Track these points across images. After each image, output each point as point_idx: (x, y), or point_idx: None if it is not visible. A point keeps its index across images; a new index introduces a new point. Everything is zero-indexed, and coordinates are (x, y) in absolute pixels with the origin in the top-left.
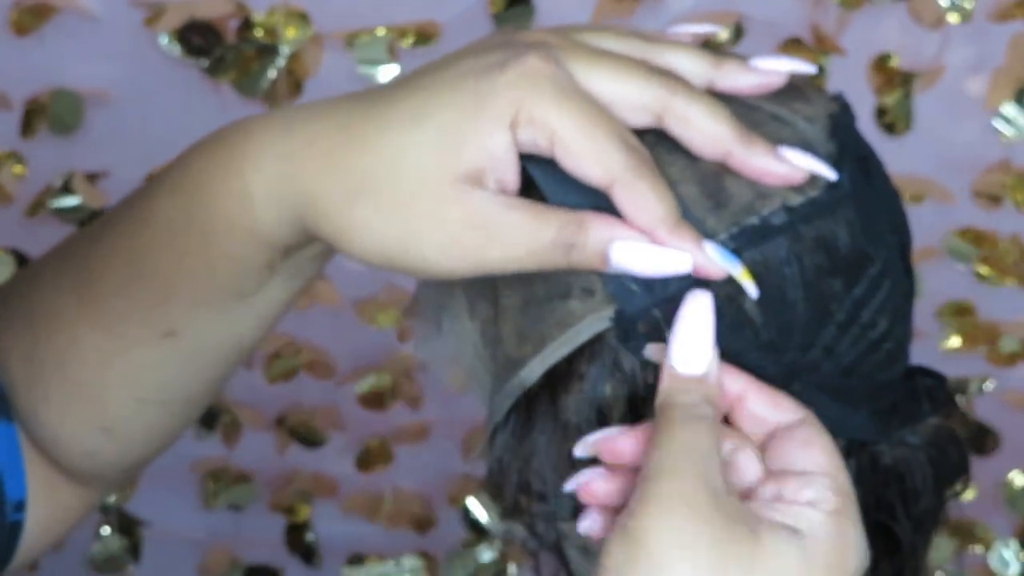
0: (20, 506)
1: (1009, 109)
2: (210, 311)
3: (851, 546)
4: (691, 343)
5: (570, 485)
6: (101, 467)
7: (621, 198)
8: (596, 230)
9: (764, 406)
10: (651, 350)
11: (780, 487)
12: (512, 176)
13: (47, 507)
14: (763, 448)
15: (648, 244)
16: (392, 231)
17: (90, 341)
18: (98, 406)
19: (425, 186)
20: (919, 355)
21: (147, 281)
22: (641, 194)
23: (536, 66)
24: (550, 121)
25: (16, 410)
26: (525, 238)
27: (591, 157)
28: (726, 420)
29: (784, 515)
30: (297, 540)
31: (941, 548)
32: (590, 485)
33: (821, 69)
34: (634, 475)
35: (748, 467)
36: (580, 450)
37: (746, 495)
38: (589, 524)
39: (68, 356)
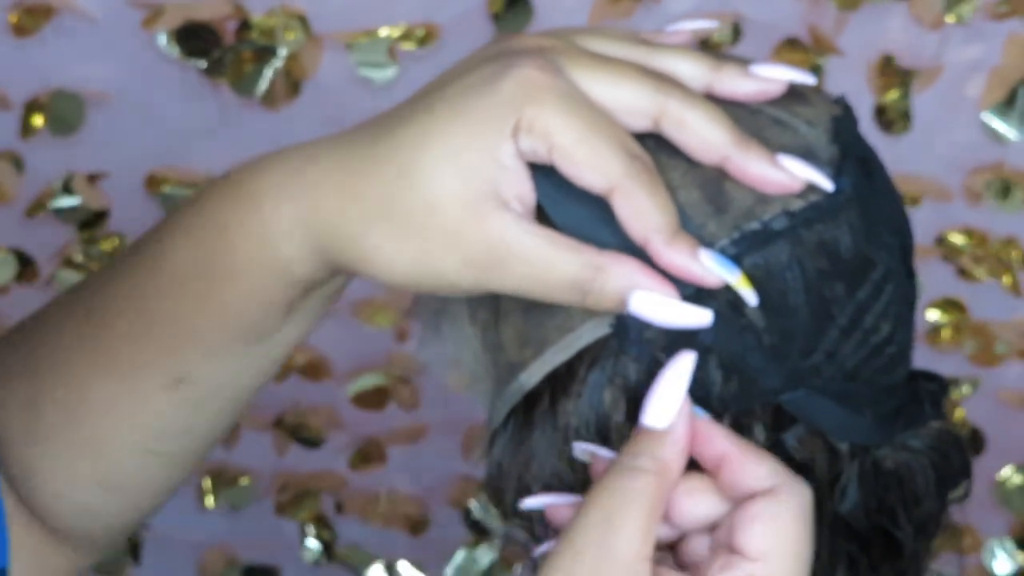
0: (2, 573)
1: (1005, 108)
2: (223, 356)
3: None
4: (662, 400)
5: (530, 504)
6: (97, 525)
7: (619, 205)
8: (616, 277)
9: (740, 472)
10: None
11: (708, 560)
12: (527, 188)
13: (32, 573)
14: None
15: (669, 298)
16: (412, 256)
17: (101, 390)
18: (102, 459)
19: (439, 208)
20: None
21: (159, 327)
22: (639, 202)
23: (532, 74)
24: (548, 129)
25: (9, 465)
26: (541, 273)
27: (590, 164)
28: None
29: None
30: (299, 540)
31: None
32: (554, 509)
33: (818, 69)
34: None
35: (704, 506)
36: (578, 451)
37: (679, 542)
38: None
39: (76, 407)
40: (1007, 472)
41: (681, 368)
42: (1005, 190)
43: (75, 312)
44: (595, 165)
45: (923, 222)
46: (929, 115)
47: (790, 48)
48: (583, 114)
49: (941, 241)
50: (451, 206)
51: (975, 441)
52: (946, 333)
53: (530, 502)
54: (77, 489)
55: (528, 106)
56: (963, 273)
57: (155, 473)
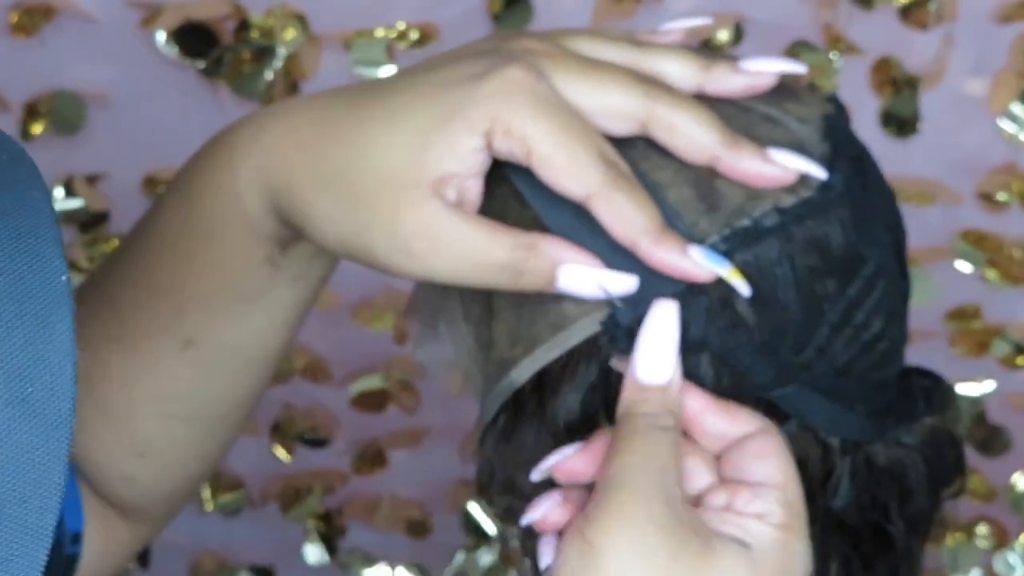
0: (77, 539)
1: (1014, 110)
2: (223, 316)
3: (796, 558)
4: (655, 353)
5: (527, 519)
6: (142, 494)
7: (600, 211)
8: (546, 254)
9: (722, 422)
10: (616, 362)
11: (732, 496)
12: (475, 184)
13: (101, 540)
14: (719, 456)
15: (593, 267)
16: (350, 225)
17: (115, 359)
18: (128, 427)
19: (386, 187)
20: (926, 357)
21: (160, 290)
22: (620, 206)
23: (516, 77)
24: (526, 134)
25: None
26: (472, 256)
27: (568, 171)
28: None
29: (734, 527)
30: (299, 543)
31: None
32: (547, 516)
33: (829, 70)
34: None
35: (698, 475)
36: (536, 476)
37: (696, 502)
38: (548, 551)
39: (96, 378)
40: (1016, 477)
41: (669, 317)
42: (1018, 192)
43: (90, 290)
44: (572, 172)
45: (934, 225)
46: (938, 117)
47: (796, 50)
48: (561, 121)
49: (953, 243)
50: (394, 184)
51: (997, 442)
52: (958, 336)
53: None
54: (114, 459)
55: (506, 109)
56: (975, 275)
57: (182, 439)
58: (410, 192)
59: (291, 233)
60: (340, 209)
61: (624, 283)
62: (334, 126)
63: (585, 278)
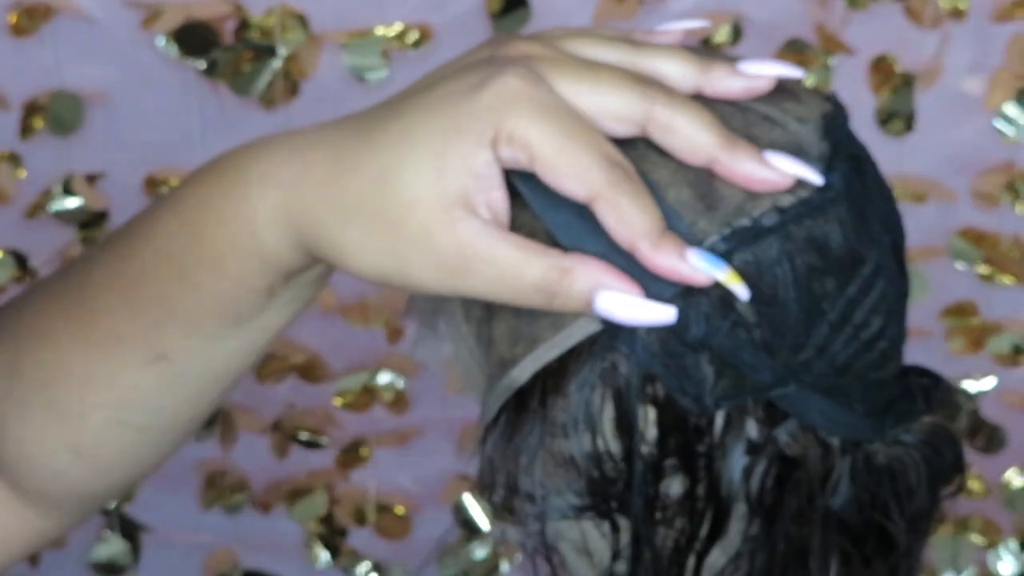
0: None
1: (1010, 109)
2: (204, 336)
3: None
4: None
5: None
6: (65, 490)
7: (603, 213)
8: (581, 278)
9: None
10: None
11: None
12: (499, 195)
13: None
14: None
15: (632, 296)
16: (383, 253)
17: (78, 360)
18: (74, 426)
19: (414, 210)
20: (922, 355)
21: (143, 303)
22: (622, 209)
23: (515, 84)
24: (528, 140)
25: None
26: (508, 277)
27: (571, 174)
28: None
29: None
30: (297, 541)
31: (946, 548)
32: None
33: (826, 69)
34: None
35: None
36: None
37: None
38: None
39: (52, 373)
40: (1011, 474)
41: None
42: (1012, 190)
43: (64, 283)
44: (576, 175)
45: (929, 223)
46: (933, 116)
47: (792, 49)
48: (563, 124)
49: (948, 241)
50: (422, 209)
51: (992, 439)
52: (954, 333)
53: None
54: (48, 452)
55: (508, 117)
56: (971, 273)
57: (127, 446)
58: (440, 215)
59: (303, 265)
60: (372, 238)
61: (663, 314)
62: (349, 156)
63: (622, 305)
